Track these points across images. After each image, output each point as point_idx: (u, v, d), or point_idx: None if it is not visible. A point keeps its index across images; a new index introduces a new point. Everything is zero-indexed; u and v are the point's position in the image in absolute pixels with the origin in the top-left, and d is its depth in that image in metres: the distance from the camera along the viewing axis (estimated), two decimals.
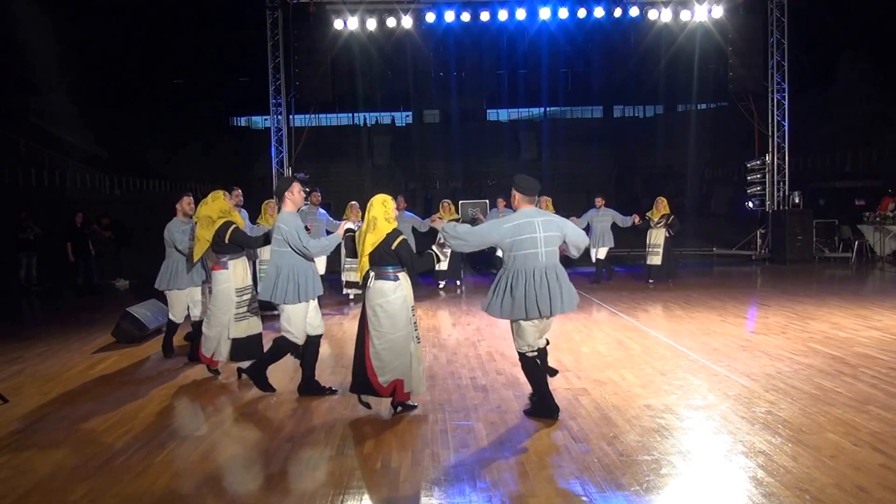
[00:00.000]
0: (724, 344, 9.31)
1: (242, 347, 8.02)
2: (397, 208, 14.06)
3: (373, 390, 6.46)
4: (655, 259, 15.41)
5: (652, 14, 19.46)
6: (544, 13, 19.26)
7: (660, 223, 15.02)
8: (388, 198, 6.64)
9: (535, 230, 6.19)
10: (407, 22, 19.20)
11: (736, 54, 20.25)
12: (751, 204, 21.58)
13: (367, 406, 6.61)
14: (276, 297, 7.04)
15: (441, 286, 15.83)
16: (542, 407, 6.43)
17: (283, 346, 7.23)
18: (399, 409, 6.62)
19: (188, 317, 9.32)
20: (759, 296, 14.10)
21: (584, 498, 4.73)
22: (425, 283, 15.99)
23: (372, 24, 19.26)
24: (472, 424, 6.27)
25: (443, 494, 4.84)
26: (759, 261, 20.97)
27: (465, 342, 9.95)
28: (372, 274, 6.48)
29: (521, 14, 19.30)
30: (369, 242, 6.43)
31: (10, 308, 13.95)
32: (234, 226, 7.94)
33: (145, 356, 9.48)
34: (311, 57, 19.69)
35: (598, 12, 19.29)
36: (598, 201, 15.85)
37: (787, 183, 20.98)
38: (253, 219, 12.23)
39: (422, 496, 4.82)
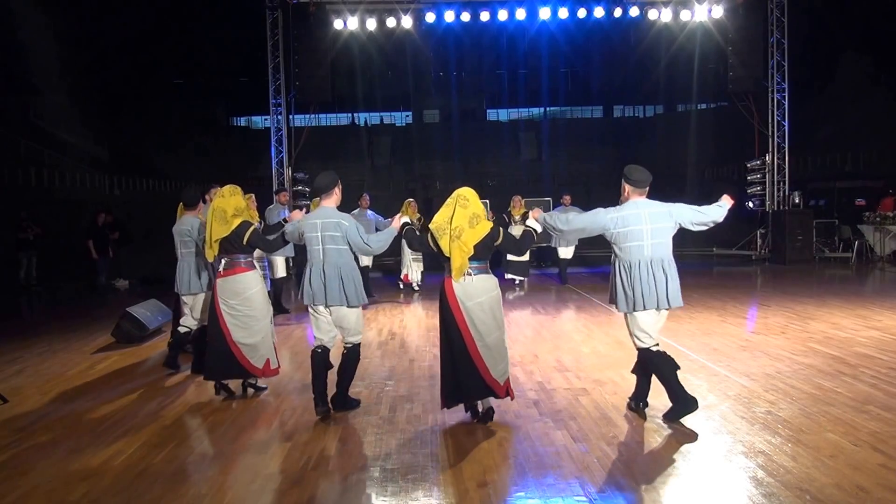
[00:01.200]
0: (723, 344, 9.31)
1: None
2: (361, 206, 14.31)
3: (492, 392, 6.17)
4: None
5: (652, 14, 19.46)
6: (544, 13, 19.26)
7: None
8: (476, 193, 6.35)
9: (641, 221, 6.09)
10: (407, 22, 19.21)
11: (736, 54, 20.26)
12: (751, 204, 21.57)
13: (487, 415, 6.25)
14: (340, 300, 6.52)
15: (517, 281, 16.36)
16: (681, 404, 6.09)
17: (356, 357, 6.82)
18: (479, 417, 6.31)
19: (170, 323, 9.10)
20: (758, 296, 14.10)
21: (584, 498, 4.73)
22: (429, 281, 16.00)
23: (372, 23, 19.27)
24: (471, 425, 6.26)
25: (442, 494, 4.84)
26: (759, 261, 20.97)
27: None
28: (469, 270, 6.14)
29: (520, 14, 19.30)
30: (471, 239, 6.09)
31: (10, 307, 13.99)
32: (253, 227, 7.28)
33: (145, 356, 9.48)
34: (311, 57, 19.70)
35: (598, 12, 19.29)
36: (565, 199, 16.03)
37: (787, 183, 20.98)
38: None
39: (422, 496, 4.81)
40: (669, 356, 6.20)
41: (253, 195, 10.83)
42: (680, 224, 6.22)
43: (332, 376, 6.72)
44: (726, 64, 20.81)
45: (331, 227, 6.56)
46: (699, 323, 10.94)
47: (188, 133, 33.07)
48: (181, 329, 8.49)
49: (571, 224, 6.42)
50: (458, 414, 6.49)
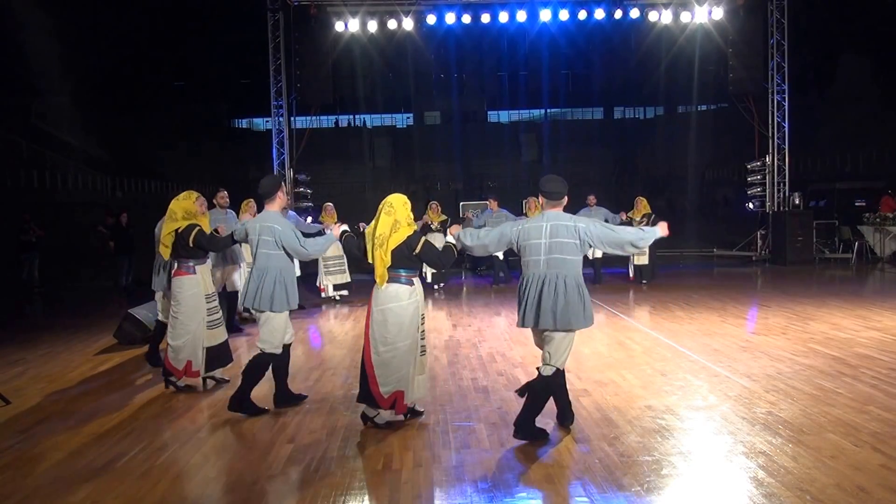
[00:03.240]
0: (724, 345, 9.32)
1: (215, 356, 7.75)
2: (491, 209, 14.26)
3: (373, 400, 6.12)
4: (643, 259, 15.54)
5: (652, 16, 19.47)
6: (545, 15, 19.27)
7: (641, 222, 15.06)
8: (407, 199, 6.30)
9: (541, 235, 5.86)
10: (408, 24, 19.21)
11: (736, 56, 20.25)
12: (751, 205, 21.57)
13: (371, 421, 6.19)
14: (261, 304, 6.60)
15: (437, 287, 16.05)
16: (524, 430, 5.85)
17: (262, 364, 6.75)
18: (407, 415, 6.35)
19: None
20: (759, 297, 14.10)
21: (586, 498, 4.75)
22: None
23: (373, 25, 19.28)
24: (473, 425, 6.28)
25: (444, 495, 4.86)
26: (759, 262, 20.96)
27: (467, 343, 9.96)
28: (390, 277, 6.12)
29: (521, 16, 19.30)
30: (393, 242, 6.07)
31: (12, 308, 14.01)
32: (198, 228, 7.49)
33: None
34: (312, 59, 19.72)
35: (599, 14, 19.29)
36: (591, 199, 15.91)
37: (787, 184, 20.97)
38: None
39: (423, 497, 4.83)
40: (548, 385, 5.87)
41: (225, 192, 10.95)
42: (589, 243, 5.89)
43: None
44: (726, 65, 20.80)
45: (265, 232, 6.72)
46: (700, 324, 10.95)
47: (190, 135, 33.12)
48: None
49: (480, 240, 6.28)
50: (460, 415, 6.50)
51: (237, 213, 11.75)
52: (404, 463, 5.43)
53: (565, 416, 6.13)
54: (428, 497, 4.83)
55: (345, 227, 6.88)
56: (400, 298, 6.11)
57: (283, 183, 7.04)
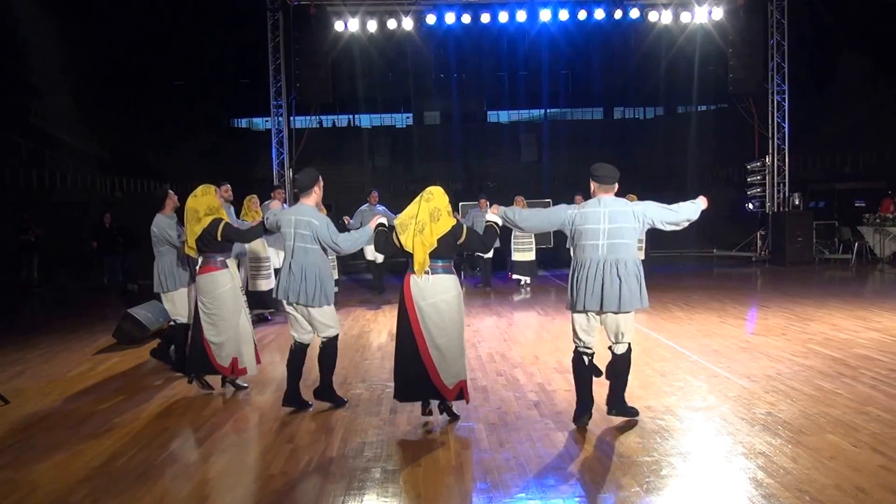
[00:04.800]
0: (724, 345, 9.32)
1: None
2: (370, 202, 14.24)
3: (439, 394, 6.17)
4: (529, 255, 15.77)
5: (652, 16, 19.47)
6: (545, 15, 19.27)
7: None
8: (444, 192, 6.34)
9: (599, 221, 5.96)
10: (407, 24, 19.21)
11: (736, 56, 20.25)
12: (751, 205, 21.58)
13: (430, 413, 6.37)
14: (304, 300, 6.54)
15: (522, 282, 16.21)
16: (579, 409, 6.19)
17: (332, 349, 6.83)
18: (444, 413, 6.40)
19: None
20: (759, 297, 14.10)
21: (585, 499, 4.74)
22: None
23: (372, 25, 19.27)
24: (472, 425, 6.27)
25: (443, 496, 4.85)
26: (759, 262, 20.97)
27: (467, 344, 9.93)
28: (428, 269, 6.10)
29: (521, 16, 19.30)
30: (434, 233, 6.08)
31: (12, 309, 13.99)
32: (224, 221, 7.38)
33: (147, 357, 9.47)
34: (311, 59, 19.70)
35: (599, 14, 19.29)
36: (577, 199, 15.93)
37: (787, 184, 20.98)
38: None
39: (422, 498, 4.82)
40: (627, 360, 6.22)
41: (228, 185, 10.80)
42: (650, 224, 6.10)
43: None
44: (726, 66, 20.81)
45: (302, 225, 6.61)
46: (699, 324, 10.95)
47: (189, 134, 33.03)
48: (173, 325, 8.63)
49: (531, 219, 6.38)
50: (459, 415, 6.49)
51: (237, 211, 11.79)
52: (404, 464, 5.43)
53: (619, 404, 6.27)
54: (427, 497, 4.83)
55: (382, 220, 6.73)
56: (449, 289, 6.14)
57: (320, 177, 6.85)
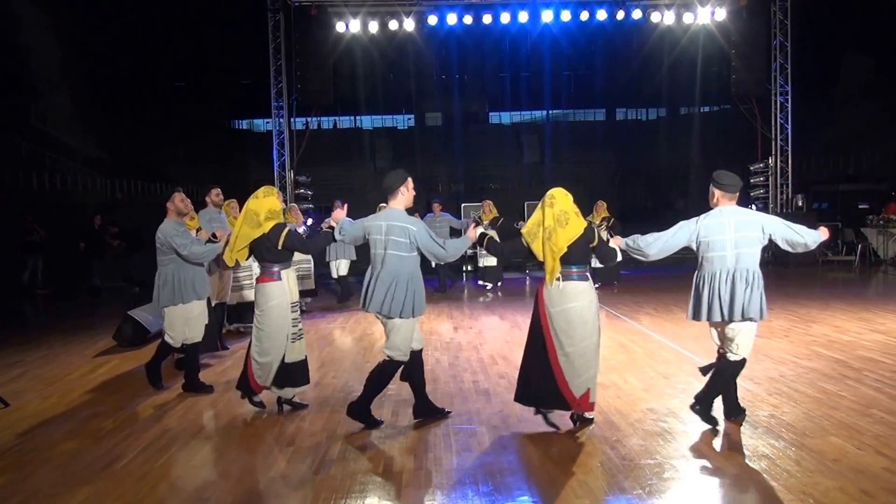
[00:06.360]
0: None
1: (290, 374, 6.85)
2: (433, 213, 14.21)
3: (565, 403, 5.99)
4: (595, 262, 15.63)
5: (655, 17, 19.46)
6: (546, 16, 19.26)
7: (600, 225, 15.16)
8: (568, 193, 6.12)
9: (724, 231, 5.94)
10: (409, 24, 19.21)
11: (739, 57, 20.22)
12: (754, 207, 21.52)
13: (555, 426, 6.14)
14: (392, 311, 6.11)
15: (489, 287, 16.25)
16: (725, 408, 6.24)
17: (389, 371, 6.31)
18: (577, 422, 6.19)
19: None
20: None
21: (588, 501, 4.71)
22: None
23: (374, 26, 19.27)
24: (474, 428, 6.25)
25: (445, 498, 4.83)
26: (761, 264, 20.89)
27: (468, 346, 9.93)
28: (559, 275, 5.94)
29: (523, 17, 19.29)
30: (563, 239, 5.90)
31: (14, 311, 13.98)
32: (288, 228, 6.69)
33: (146, 360, 9.43)
34: (312, 60, 19.70)
35: (601, 15, 19.28)
36: (436, 207, 16.47)
37: (790, 186, 20.94)
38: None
39: (424, 500, 4.80)
40: (735, 369, 6.18)
41: (219, 189, 10.27)
42: (770, 237, 6.05)
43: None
44: (729, 67, 20.80)
45: (396, 232, 6.15)
46: (702, 326, 10.83)
47: (190, 136, 33.08)
48: (186, 344, 7.86)
49: (655, 245, 6.20)
50: (461, 418, 6.47)
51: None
52: (405, 466, 5.41)
53: (733, 410, 6.20)
54: (429, 500, 4.81)
55: (480, 229, 6.51)
56: (580, 297, 5.97)
57: (409, 178, 6.36)
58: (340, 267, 14.19)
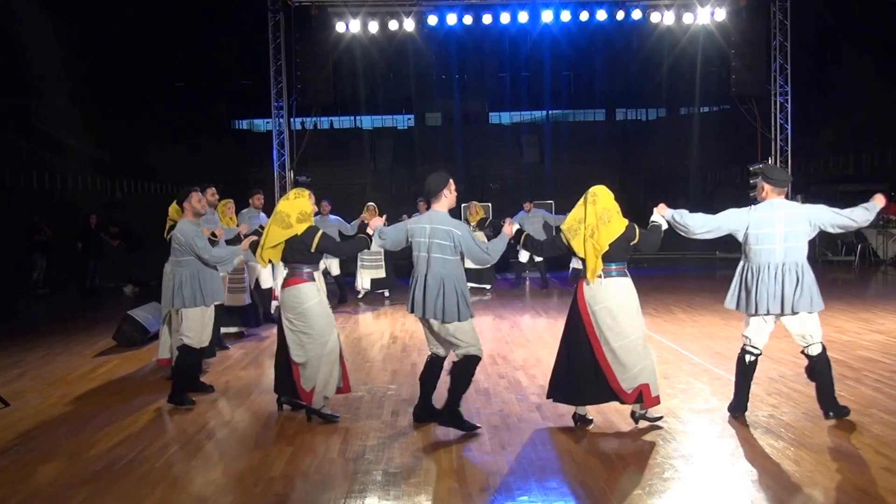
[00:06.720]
0: (727, 348, 9.27)
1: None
2: (321, 213, 13.99)
3: (617, 397, 5.97)
4: (579, 263, 15.57)
5: (654, 17, 19.43)
6: (546, 16, 19.22)
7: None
8: (610, 191, 6.12)
9: (775, 224, 6.02)
10: (409, 25, 19.18)
11: (738, 57, 20.19)
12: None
13: (587, 420, 6.17)
14: (447, 316, 6.01)
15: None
16: (733, 402, 6.34)
17: (470, 368, 6.22)
18: (639, 420, 6.14)
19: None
20: None
21: (588, 502, 4.72)
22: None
23: (374, 26, 19.24)
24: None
25: (445, 498, 4.83)
26: None
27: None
28: (601, 273, 5.93)
29: (523, 17, 19.25)
30: (606, 237, 5.90)
31: (22, 310, 14.00)
32: (321, 231, 6.59)
33: (146, 360, 9.46)
34: (312, 60, 19.67)
35: (601, 15, 19.24)
36: (527, 206, 16.31)
37: (789, 186, 20.91)
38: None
39: (424, 500, 4.80)
40: (825, 360, 6.22)
41: (213, 188, 9.80)
42: (820, 228, 6.15)
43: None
44: (729, 67, 20.76)
45: (440, 235, 6.08)
46: (702, 326, 10.92)
47: (190, 136, 33.08)
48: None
49: (704, 225, 6.29)
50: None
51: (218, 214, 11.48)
52: (405, 466, 5.41)
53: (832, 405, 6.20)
54: (428, 500, 4.81)
55: (516, 226, 6.45)
56: (623, 292, 5.99)
57: (451, 180, 6.26)
58: (332, 267, 13.95)
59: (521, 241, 6.48)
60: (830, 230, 6.25)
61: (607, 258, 5.94)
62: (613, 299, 5.95)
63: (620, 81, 37.17)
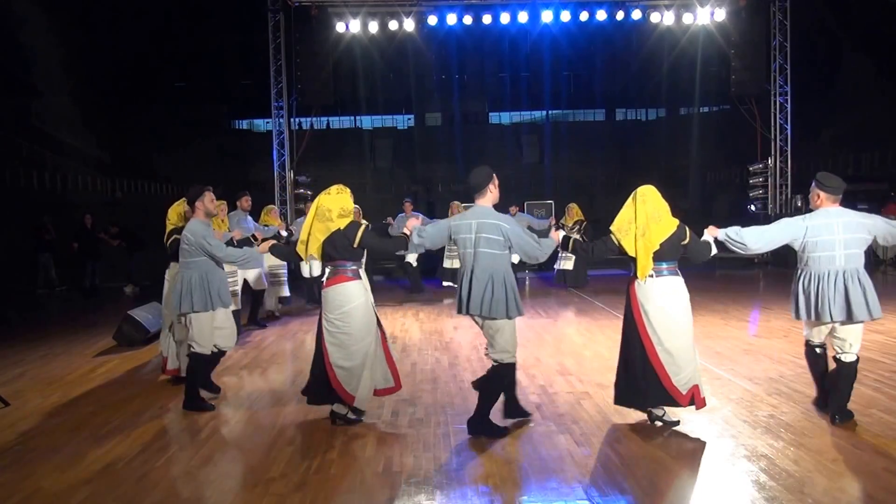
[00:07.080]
0: (726, 347, 9.29)
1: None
2: (405, 212, 13.95)
3: (672, 399, 5.91)
4: (567, 264, 15.82)
5: (654, 17, 19.45)
6: (546, 16, 19.25)
7: (573, 229, 15.21)
8: (658, 192, 6.15)
9: (832, 231, 6.00)
10: (409, 25, 19.20)
11: (738, 57, 20.21)
12: (753, 207, 21.54)
13: (673, 422, 6.08)
14: (494, 311, 5.91)
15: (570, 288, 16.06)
16: (829, 403, 6.29)
17: (502, 375, 6.17)
18: (655, 421, 6.12)
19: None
20: (761, 299, 14.08)
21: (587, 502, 4.72)
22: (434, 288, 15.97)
23: (374, 26, 19.26)
24: None
25: (445, 498, 4.83)
26: (761, 264, 20.92)
27: (468, 345, 9.93)
28: (652, 272, 5.94)
29: (523, 17, 19.27)
30: (657, 235, 5.92)
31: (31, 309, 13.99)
32: (365, 226, 6.46)
33: (146, 360, 9.47)
34: (312, 60, 19.68)
35: (601, 15, 19.27)
36: (512, 209, 16.30)
37: (789, 186, 20.93)
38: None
39: (424, 500, 4.80)
40: (855, 369, 6.21)
41: (224, 202, 9.68)
42: (875, 236, 6.13)
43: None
44: (729, 67, 20.78)
45: (487, 229, 5.98)
46: (702, 326, 10.90)
47: (190, 136, 33.07)
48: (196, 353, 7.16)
49: (760, 239, 6.31)
50: (461, 417, 6.46)
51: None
52: (405, 465, 5.41)
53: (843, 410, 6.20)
54: (429, 500, 4.81)
55: (563, 232, 6.37)
56: (675, 291, 6.02)
57: (494, 175, 6.16)
58: (313, 267, 13.38)
59: (570, 246, 6.43)
60: (882, 241, 6.23)
61: (658, 257, 5.95)
62: (666, 298, 5.98)
63: (620, 81, 37.11)
